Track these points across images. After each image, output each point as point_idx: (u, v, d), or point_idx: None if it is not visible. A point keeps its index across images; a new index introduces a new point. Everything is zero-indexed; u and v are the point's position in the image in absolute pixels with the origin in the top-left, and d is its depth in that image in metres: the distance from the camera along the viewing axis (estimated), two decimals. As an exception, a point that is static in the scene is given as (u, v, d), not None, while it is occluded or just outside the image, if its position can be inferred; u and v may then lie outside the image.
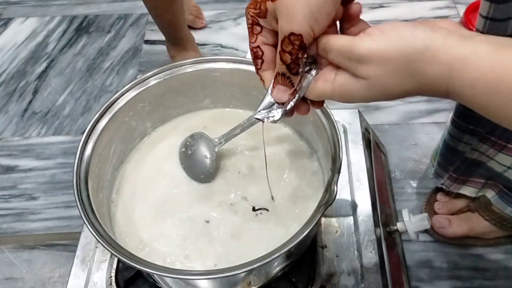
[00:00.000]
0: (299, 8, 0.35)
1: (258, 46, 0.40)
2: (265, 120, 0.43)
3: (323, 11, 0.35)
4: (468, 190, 0.81)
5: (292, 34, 0.36)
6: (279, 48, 0.37)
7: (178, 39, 1.18)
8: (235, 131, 0.59)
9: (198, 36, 1.34)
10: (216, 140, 0.62)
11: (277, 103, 0.42)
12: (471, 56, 0.31)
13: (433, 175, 0.83)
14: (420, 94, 0.35)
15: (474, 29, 1.04)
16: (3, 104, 1.23)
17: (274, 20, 0.38)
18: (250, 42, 0.41)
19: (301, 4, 0.35)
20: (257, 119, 0.43)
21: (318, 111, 0.56)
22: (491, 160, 0.70)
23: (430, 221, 0.88)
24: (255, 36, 0.40)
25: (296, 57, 0.37)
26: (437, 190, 0.94)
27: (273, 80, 0.40)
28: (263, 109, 0.43)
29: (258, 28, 0.39)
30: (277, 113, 0.43)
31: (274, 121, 0.43)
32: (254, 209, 0.59)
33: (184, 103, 0.67)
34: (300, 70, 0.39)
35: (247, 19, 0.39)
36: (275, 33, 0.39)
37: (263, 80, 0.42)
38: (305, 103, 0.43)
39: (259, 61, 0.41)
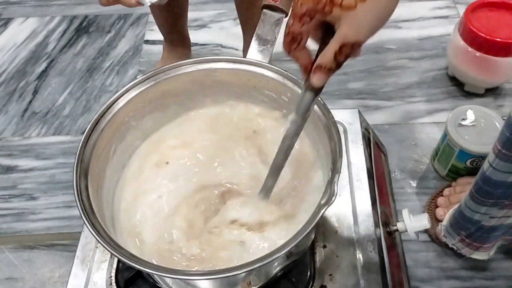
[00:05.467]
0: (368, 22, 0.39)
1: (301, 33, 0.43)
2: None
3: (384, 23, 0.40)
4: (480, 255, 0.80)
5: (356, 43, 0.40)
6: (335, 48, 0.40)
7: (176, 39, 1.18)
8: (276, 170, 0.54)
9: (198, 36, 1.34)
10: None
11: None
12: None
13: (444, 232, 0.82)
14: None
15: (474, 29, 1.04)
16: (3, 104, 1.23)
17: (332, 21, 0.40)
18: (291, 26, 0.42)
19: (371, 19, 0.39)
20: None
21: (318, 110, 0.56)
22: (510, 217, 0.69)
23: (434, 229, 0.88)
24: (301, 23, 0.41)
25: (348, 58, 0.41)
26: (438, 194, 0.95)
27: (315, 69, 0.43)
28: None
29: (308, 19, 0.41)
30: None
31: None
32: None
33: (184, 103, 0.67)
34: None
35: (300, 7, 0.40)
36: (319, 26, 0.42)
37: (297, 58, 0.45)
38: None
39: (295, 44, 0.43)
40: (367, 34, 0.39)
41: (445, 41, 1.25)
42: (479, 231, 0.74)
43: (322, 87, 0.45)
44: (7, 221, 0.99)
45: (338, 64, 0.42)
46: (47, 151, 1.12)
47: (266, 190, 0.55)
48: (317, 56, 0.44)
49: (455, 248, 0.81)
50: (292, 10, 0.41)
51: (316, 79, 0.43)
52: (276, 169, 0.53)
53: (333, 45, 0.41)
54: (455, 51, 1.10)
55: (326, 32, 0.42)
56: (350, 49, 0.40)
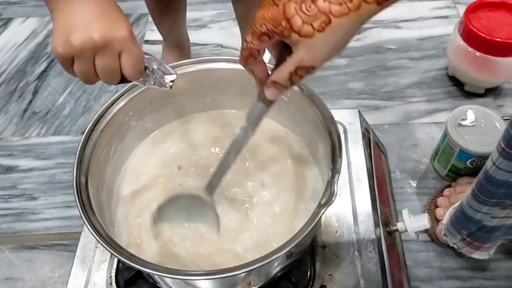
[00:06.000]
0: (325, 50, 0.40)
1: (258, 49, 0.44)
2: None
3: (340, 51, 0.41)
4: (480, 255, 0.80)
5: (311, 67, 0.41)
6: (290, 70, 0.42)
7: (175, 40, 1.18)
8: (222, 171, 0.55)
9: (198, 36, 1.34)
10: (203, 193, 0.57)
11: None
12: None
13: (445, 231, 0.82)
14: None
15: (474, 29, 1.04)
16: (3, 104, 1.23)
17: (290, 44, 0.41)
18: (250, 42, 0.43)
19: (327, 47, 0.40)
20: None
21: (318, 111, 0.56)
22: (511, 218, 0.69)
23: (434, 229, 0.88)
24: (260, 41, 0.42)
25: (302, 79, 0.43)
26: (438, 194, 0.94)
27: (269, 84, 0.45)
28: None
29: (267, 38, 0.42)
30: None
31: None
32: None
33: (184, 103, 0.67)
34: None
35: (259, 26, 0.41)
36: (277, 43, 0.43)
37: (252, 71, 0.47)
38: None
39: (251, 58, 0.45)
40: (323, 61, 0.41)
41: (445, 41, 1.25)
42: (480, 231, 0.73)
43: (274, 100, 0.47)
44: (7, 221, 0.99)
45: (292, 83, 0.44)
46: (47, 151, 1.12)
47: (211, 188, 0.56)
48: (273, 70, 0.45)
49: (455, 247, 0.81)
50: (251, 27, 0.42)
51: (270, 93, 0.46)
52: (223, 170, 0.55)
53: (289, 66, 0.42)
54: (455, 51, 1.10)
55: (283, 48, 0.43)
56: (305, 72, 0.42)
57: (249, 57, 0.45)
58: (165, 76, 0.51)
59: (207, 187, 0.56)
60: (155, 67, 0.50)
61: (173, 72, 0.51)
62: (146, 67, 0.49)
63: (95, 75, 0.47)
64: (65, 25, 0.45)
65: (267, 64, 0.53)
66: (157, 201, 0.59)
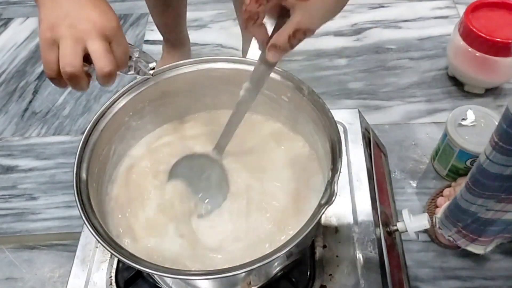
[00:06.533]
0: (320, 13, 0.42)
1: (257, 12, 0.45)
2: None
3: (335, 15, 0.42)
4: (476, 248, 0.80)
5: (308, 29, 0.43)
6: (288, 32, 0.43)
7: (175, 40, 1.18)
8: (229, 131, 0.58)
9: (198, 36, 1.34)
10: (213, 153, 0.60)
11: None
12: None
13: (440, 224, 0.82)
14: None
15: (474, 29, 1.04)
16: (3, 104, 1.23)
17: (287, 6, 0.43)
18: (248, 5, 0.44)
19: (323, 10, 0.42)
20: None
21: (318, 111, 0.56)
22: (507, 212, 0.70)
23: (435, 230, 0.88)
24: (258, 4, 0.43)
25: (300, 41, 0.44)
26: (438, 194, 0.95)
27: (270, 47, 0.46)
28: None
29: (264, 1, 0.43)
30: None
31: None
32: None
33: (184, 103, 0.67)
34: None
35: None
36: (275, 7, 0.44)
37: (253, 33, 0.47)
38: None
39: (251, 22, 0.46)
40: (319, 23, 0.43)
41: (445, 41, 1.25)
42: (476, 223, 0.74)
43: (276, 62, 0.49)
44: (7, 221, 1.00)
45: (291, 46, 0.45)
46: (47, 151, 1.12)
47: (220, 148, 0.59)
48: (273, 33, 0.46)
49: (451, 239, 0.81)
50: None
51: (271, 56, 0.47)
52: (229, 131, 0.57)
53: (287, 29, 0.43)
54: (455, 51, 1.10)
55: (282, 11, 0.45)
56: (303, 35, 0.43)
57: (248, 20, 0.45)
58: (148, 64, 0.52)
59: (216, 147, 0.58)
60: (136, 55, 0.51)
61: (152, 60, 0.53)
62: (129, 56, 0.50)
63: (81, 62, 0.47)
64: (55, 13, 0.47)
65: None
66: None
